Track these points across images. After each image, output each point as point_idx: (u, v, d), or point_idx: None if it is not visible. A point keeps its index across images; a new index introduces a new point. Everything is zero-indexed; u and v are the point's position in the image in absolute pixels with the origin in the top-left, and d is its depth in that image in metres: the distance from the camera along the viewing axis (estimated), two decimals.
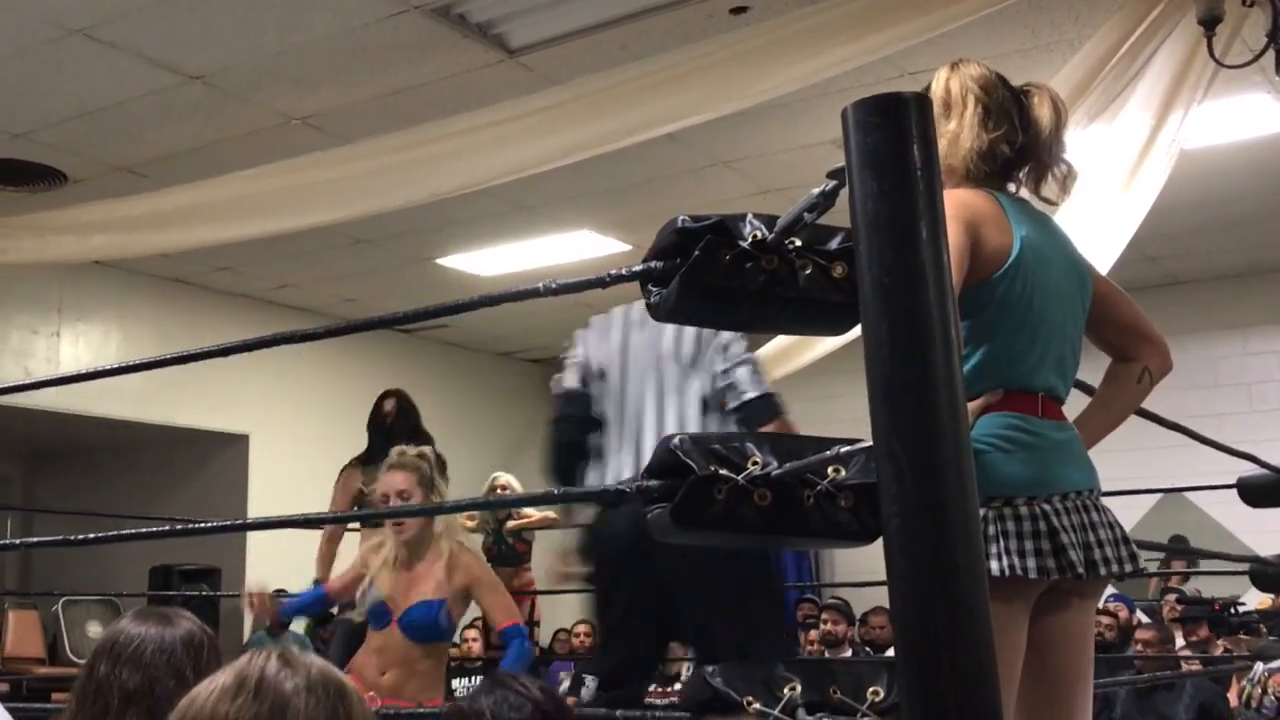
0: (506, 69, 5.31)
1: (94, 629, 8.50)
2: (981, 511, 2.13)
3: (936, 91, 2.32)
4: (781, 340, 7.51)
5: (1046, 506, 2.16)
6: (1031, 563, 2.11)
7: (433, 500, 3.91)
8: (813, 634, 7.92)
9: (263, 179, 5.22)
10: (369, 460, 5.88)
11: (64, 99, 5.57)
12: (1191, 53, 4.02)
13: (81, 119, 5.78)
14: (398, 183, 4.94)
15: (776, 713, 1.73)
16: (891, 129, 1.28)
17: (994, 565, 2.09)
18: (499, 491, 7.30)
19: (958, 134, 2.28)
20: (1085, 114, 3.99)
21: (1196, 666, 6.08)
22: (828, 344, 7.00)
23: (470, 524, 6.97)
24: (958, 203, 2.15)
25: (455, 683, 7.59)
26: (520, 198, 6.90)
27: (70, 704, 1.78)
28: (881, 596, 8.51)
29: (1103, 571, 2.18)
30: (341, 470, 6.24)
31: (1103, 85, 3.92)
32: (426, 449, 4.09)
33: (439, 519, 3.91)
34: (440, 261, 8.33)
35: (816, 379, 8.85)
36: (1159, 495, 7.33)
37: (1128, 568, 2.22)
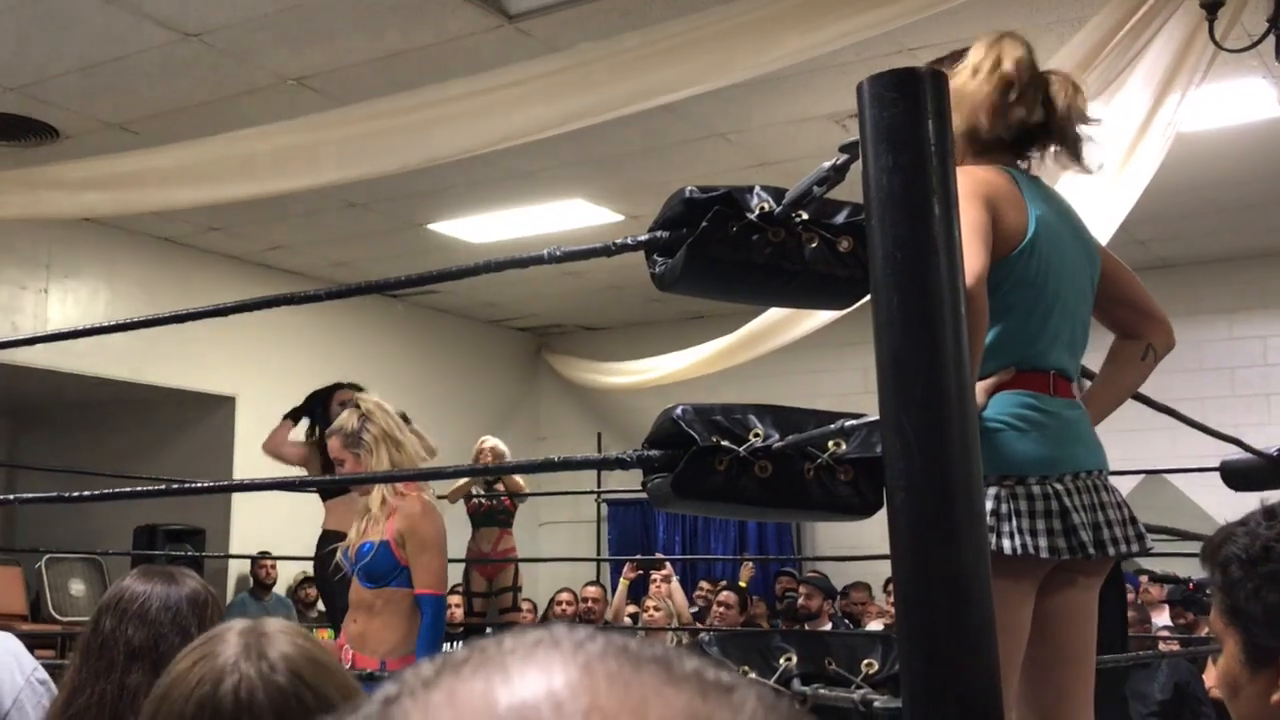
0: (506, 34, 5.29)
1: (77, 587, 8.50)
2: (994, 490, 2.15)
3: (971, 59, 2.31)
4: (771, 315, 7.54)
5: (1058, 486, 2.17)
6: (1043, 542, 2.12)
7: (363, 454, 3.95)
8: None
9: (257, 140, 5.19)
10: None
11: (58, 54, 5.52)
12: (1192, 35, 4.03)
13: (75, 74, 5.74)
14: (393, 147, 4.92)
15: (771, 683, 1.75)
16: (908, 104, 1.27)
17: (1006, 544, 2.11)
18: (478, 455, 7.33)
19: (986, 99, 2.27)
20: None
21: (1175, 647, 6.14)
22: (815, 320, 7.02)
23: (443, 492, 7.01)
24: (976, 180, 2.16)
25: None
26: (514, 165, 6.88)
27: (74, 659, 1.78)
28: (860, 571, 8.57)
29: (1111, 551, 2.20)
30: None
31: (1103, 65, 3.92)
32: (353, 409, 4.10)
33: (386, 466, 3.93)
34: (431, 227, 8.30)
35: (805, 354, 8.90)
36: (1140, 476, 7.38)
37: (1135, 547, 2.25)
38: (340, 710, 0.49)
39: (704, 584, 8.95)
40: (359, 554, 3.86)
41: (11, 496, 2.74)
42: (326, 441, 4.16)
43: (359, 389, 5.93)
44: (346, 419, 4.06)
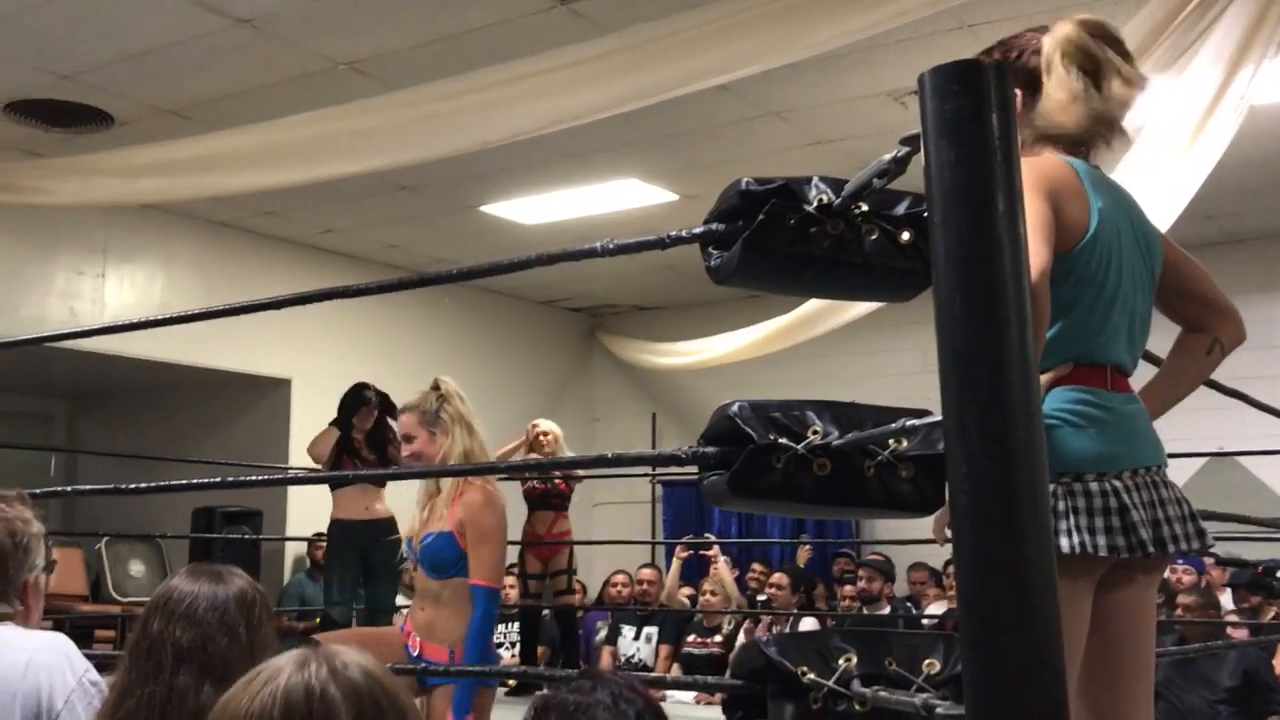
0: (558, 15, 5.24)
1: (136, 568, 8.61)
2: (1051, 488, 2.09)
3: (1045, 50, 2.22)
4: None
5: (1116, 483, 2.12)
6: (1102, 540, 2.07)
7: (438, 434, 3.92)
8: (849, 589, 7.90)
9: (310, 125, 5.20)
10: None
11: (112, 41, 5.55)
12: (1265, 8, 3.91)
13: (129, 61, 5.76)
14: (446, 130, 4.90)
15: (831, 683, 1.71)
16: (970, 97, 1.23)
17: (1064, 542, 2.06)
18: (540, 438, 7.36)
19: (1052, 96, 2.17)
20: (1151, 68, 3.87)
21: (1242, 632, 6.02)
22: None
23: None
24: (1039, 172, 2.09)
25: None
26: (567, 145, 6.85)
27: (123, 660, 1.78)
28: (921, 550, 8.51)
29: (1171, 549, 2.14)
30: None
31: (1171, 39, 3.81)
32: (434, 388, 4.07)
33: (454, 453, 3.90)
34: (484, 209, 8.29)
35: (862, 333, 8.81)
36: (1207, 456, 7.25)
37: (1195, 544, 2.18)
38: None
39: (756, 566, 8.91)
40: (424, 543, 3.85)
41: (69, 489, 2.76)
42: (400, 417, 4.11)
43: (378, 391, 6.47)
44: (424, 398, 4.03)
